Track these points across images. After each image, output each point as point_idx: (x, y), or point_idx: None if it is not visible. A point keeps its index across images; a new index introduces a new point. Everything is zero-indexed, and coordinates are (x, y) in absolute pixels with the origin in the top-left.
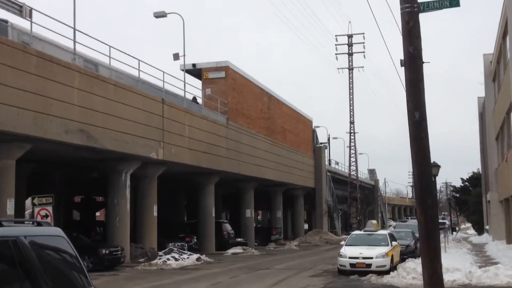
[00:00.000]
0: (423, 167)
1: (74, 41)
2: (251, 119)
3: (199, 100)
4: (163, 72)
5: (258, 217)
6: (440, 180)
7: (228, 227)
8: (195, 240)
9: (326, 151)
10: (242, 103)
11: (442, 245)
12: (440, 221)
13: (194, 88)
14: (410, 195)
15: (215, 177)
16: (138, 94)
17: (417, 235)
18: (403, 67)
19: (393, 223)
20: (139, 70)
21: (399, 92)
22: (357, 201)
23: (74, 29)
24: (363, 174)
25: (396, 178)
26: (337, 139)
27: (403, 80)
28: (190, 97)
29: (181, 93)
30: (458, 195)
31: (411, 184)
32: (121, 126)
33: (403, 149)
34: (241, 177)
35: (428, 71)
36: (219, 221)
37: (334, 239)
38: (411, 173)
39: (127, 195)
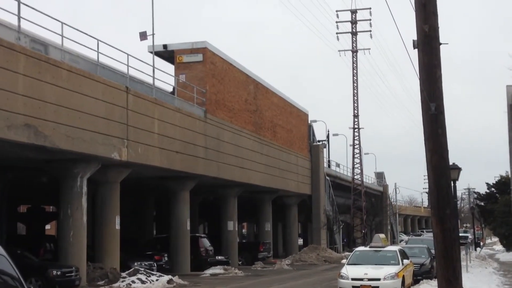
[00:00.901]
0: (440, 169)
1: (19, 17)
2: (234, 112)
3: (170, 88)
4: (128, 54)
5: (243, 231)
6: (461, 186)
7: (206, 242)
8: (166, 258)
9: (325, 150)
10: (224, 92)
11: (463, 263)
12: (461, 234)
13: (165, 75)
14: (425, 203)
15: (190, 182)
16: (97, 81)
17: (433, 251)
18: (416, 49)
19: (405, 237)
20: (98, 53)
21: (412, 80)
22: (362, 211)
23: (19, 2)
24: (369, 179)
25: (409, 183)
26: (338, 136)
27: (416, 65)
28: (160, 85)
29: (149, 80)
30: (482, 204)
31: (426, 190)
32: (76, 120)
33: (417, 148)
34: (222, 182)
35: (446, 54)
36: (196, 236)
37: (334, 257)
38: (426, 177)
39: (83, 204)
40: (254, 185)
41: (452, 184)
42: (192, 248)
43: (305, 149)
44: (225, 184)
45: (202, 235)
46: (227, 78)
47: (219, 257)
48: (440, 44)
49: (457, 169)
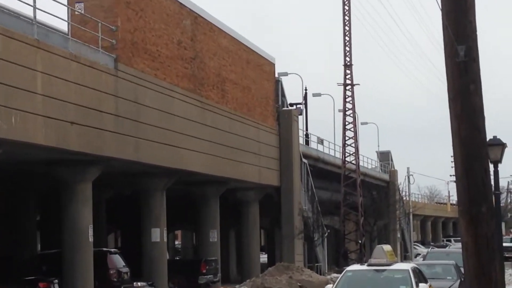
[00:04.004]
0: (473, 146)
1: None
2: (161, 60)
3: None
4: None
5: (176, 243)
6: (506, 171)
7: (118, 260)
8: (57, 286)
9: (301, 119)
10: (144, 30)
11: None
12: (506, 244)
13: (54, 4)
14: (454, 198)
15: (93, 169)
16: None
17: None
18: None
19: (423, 250)
20: None
21: (433, 13)
22: (358, 210)
23: None
24: (369, 162)
25: (430, 169)
26: (322, 97)
27: None
28: (47, 19)
29: (28, 12)
30: None
31: (454, 179)
32: None
33: (441, 116)
34: (143, 168)
35: None
36: (102, 251)
37: (315, 282)
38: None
39: None
40: (193, 172)
41: (492, 168)
42: (97, 269)
43: (271, 116)
44: (147, 171)
45: (113, 250)
46: (149, 8)
47: (139, 284)
48: None
49: (500, 145)
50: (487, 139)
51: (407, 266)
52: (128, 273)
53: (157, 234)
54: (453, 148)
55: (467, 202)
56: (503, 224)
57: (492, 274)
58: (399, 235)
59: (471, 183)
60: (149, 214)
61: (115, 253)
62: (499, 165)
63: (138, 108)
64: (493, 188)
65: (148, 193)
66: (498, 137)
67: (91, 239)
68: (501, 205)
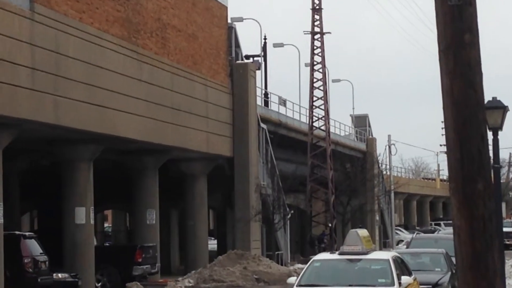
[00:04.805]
0: (468, 108)
1: None
2: (87, 1)
3: None
4: None
5: (105, 225)
6: (507, 141)
7: (34, 247)
8: None
9: (260, 74)
10: None
11: (509, 281)
12: (506, 229)
13: None
14: (444, 173)
15: (3, 134)
16: None
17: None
18: None
19: (406, 235)
20: None
21: None
22: (328, 187)
23: None
24: (341, 128)
25: (415, 137)
26: (284, 47)
27: None
28: None
29: None
30: None
31: (444, 149)
32: None
33: (428, 73)
34: (64, 133)
35: None
36: (15, 235)
37: (275, 273)
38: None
39: None
40: (126, 139)
41: (491, 137)
42: (9, 257)
43: (222, 71)
44: (70, 137)
45: (28, 233)
46: None
47: (60, 275)
48: None
49: (501, 108)
50: (485, 101)
51: (387, 255)
52: (47, 262)
53: (82, 215)
54: (444, 112)
55: (460, 177)
56: (503, 205)
57: (490, 265)
58: (377, 218)
59: (465, 154)
60: (73, 190)
61: (30, 237)
62: (500, 132)
63: (59, 59)
64: (492, 160)
65: (71, 164)
66: (498, 99)
67: (0, 220)
68: (502, 181)
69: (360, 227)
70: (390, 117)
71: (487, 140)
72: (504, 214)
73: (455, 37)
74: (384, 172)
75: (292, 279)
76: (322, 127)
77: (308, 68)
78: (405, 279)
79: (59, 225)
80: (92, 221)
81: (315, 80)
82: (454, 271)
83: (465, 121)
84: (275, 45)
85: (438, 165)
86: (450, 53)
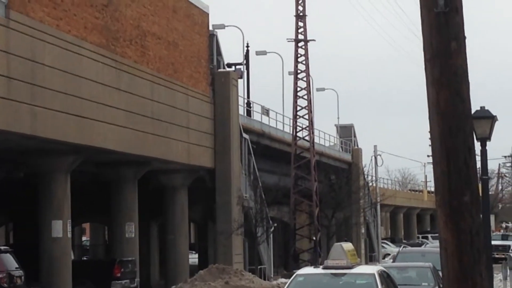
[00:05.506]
0: (455, 118)
1: None
2: (65, 7)
3: None
4: None
5: (83, 239)
6: (495, 152)
7: (9, 261)
8: None
9: (242, 83)
10: None
11: None
12: (495, 242)
13: None
14: (431, 184)
15: None
16: None
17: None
18: None
19: (393, 248)
20: None
21: None
22: (313, 199)
23: None
24: (326, 138)
25: (402, 148)
26: (267, 55)
27: None
28: None
29: None
30: None
31: (431, 160)
32: None
33: (415, 83)
34: (41, 144)
35: None
36: None
37: None
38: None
39: None
40: (104, 150)
41: (479, 147)
42: None
43: (203, 80)
44: (46, 148)
45: (3, 247)
46: None
47: None
48: None
49: (489, 118)
50: (473, 111)
51: (372, 269)
52: (22, 277)
53: (59, 228)
54: (430, 122)
55: (447, 190)
56: (492, 217)
57: (477, 279)
58: (363, 231)
59: (452, 166)
60: (49, 203)
61: (5, 251)
62: (488, 143)
63: (35, 67)
64: (479, 172)
65: (48, 176)
66: (486, 108)
67: None
68: (490, 193)
69: (345, 241)
70: (376, 127)
71: (474, 151)
72: (493, 227)
73: (441, 45)
74: (370, 184)
75: None
76: (306, 137)
77: (292, 77)
78: None
79: (35, 238)
80: (69, 235)
81: (299, 89)
82: (441, 286)
83: (452, 132)
84: (258, 53)
85: (426, 177)
86: (436, 62)
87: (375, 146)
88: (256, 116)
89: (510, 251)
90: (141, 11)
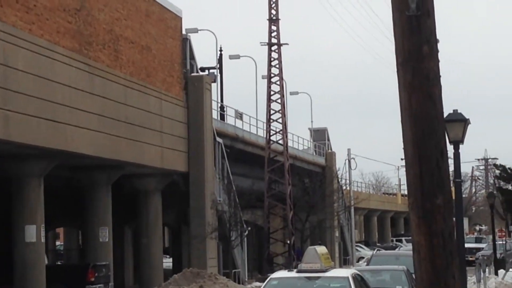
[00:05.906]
0: (426, 121)
1: None
2: (37, 11)
3: None
4: None
5: (57, 243)
6: (469, 155)
7: None
8: None
9: (215, 87)
10: None
11: None
12: (468, 245)
13: None
14: (405, 187)
15: None
16: None
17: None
18: None
19: (367, 252)
20: None
21: None
22: (286, 203)
23: None
24: (300, 142)
25: (376, 151)
26: (241, 59)
27: None
28: None
29: None
30: (511, 187)
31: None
32: None
33: (388, 86)
34: (13, 148)
35: None
36: None
37: None
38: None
39: None
40: (78, 154)
41: (452, 150)
42: None
43: (176, 84)
44: (19, 153)
45: None
46: None
47: None
48: None
49: (461, 121)
50: (446, 114)
51: (346, 272)
52: None
53: (33, 233)
54: (402, 125)
55: (419, 193)
56: (465, 220)
57: (450, 282)
58: (337, 234)
59: (424, 169)
60: (23, 207)
61: None
62: (461, 146)
63: (7, 72)
64: (452, 175)
65: (21, 180)
66: (459, 112)
67: None
68: (464, 196)
69: (319, 244)
70: (350, 131)
71: (447, 154)
72: (466, 230)
73: (413, 48)
74: (344, 187)
75: None
76: (280, 141)
77: (266, 81)
78: None
79: (8, 243)
80: (43, 239)
81: (272, 92)
82: None
83: (424, 135)
84: (231, 57)
85: (399, 180)
86: (409, 65)
87: (348, 150)
88: (230, 120)
89: (479, 254)
90: (114, 15)
